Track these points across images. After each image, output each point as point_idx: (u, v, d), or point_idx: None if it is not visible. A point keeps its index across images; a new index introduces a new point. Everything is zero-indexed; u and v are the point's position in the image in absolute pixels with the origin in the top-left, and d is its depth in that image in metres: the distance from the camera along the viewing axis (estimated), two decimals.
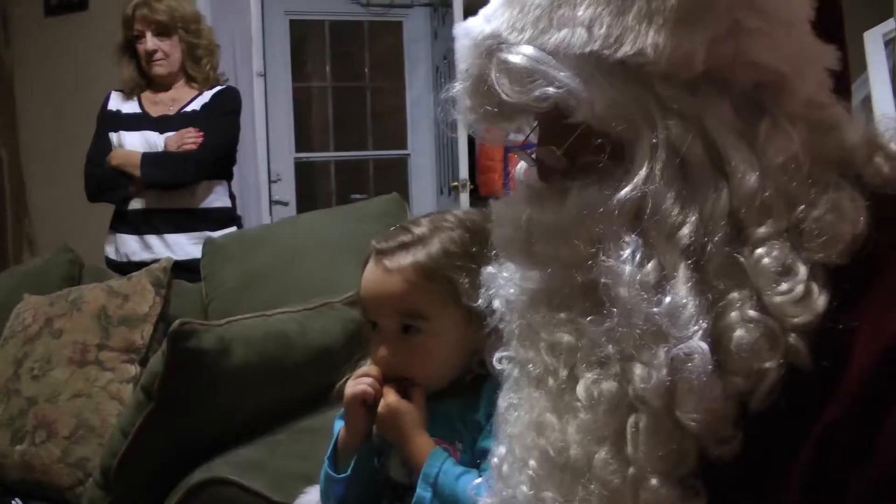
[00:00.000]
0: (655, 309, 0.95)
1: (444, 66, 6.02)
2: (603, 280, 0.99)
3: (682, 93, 0.98)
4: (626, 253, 0.97)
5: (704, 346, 0.93)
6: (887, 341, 0.92)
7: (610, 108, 0.99)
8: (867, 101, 3.92)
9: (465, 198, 5.59)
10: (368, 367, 1.46)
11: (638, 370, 0.97)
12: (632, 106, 0.99)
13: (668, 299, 0.95)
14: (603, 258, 0.99)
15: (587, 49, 0.98)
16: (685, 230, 0.96)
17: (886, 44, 4.04)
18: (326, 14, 6.48)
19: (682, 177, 0.97)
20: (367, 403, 1.42)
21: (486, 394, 1.39)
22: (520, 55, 1.00)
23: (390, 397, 1.41)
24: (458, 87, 1.11)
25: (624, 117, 0.99)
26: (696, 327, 0.93)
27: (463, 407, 1.42)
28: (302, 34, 6.56)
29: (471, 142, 5.81)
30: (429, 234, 1.44)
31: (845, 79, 1.12)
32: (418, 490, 1.35)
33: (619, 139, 1.00)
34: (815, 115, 1.01)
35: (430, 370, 1.43)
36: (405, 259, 1.41)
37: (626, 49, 0.97)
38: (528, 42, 1.01)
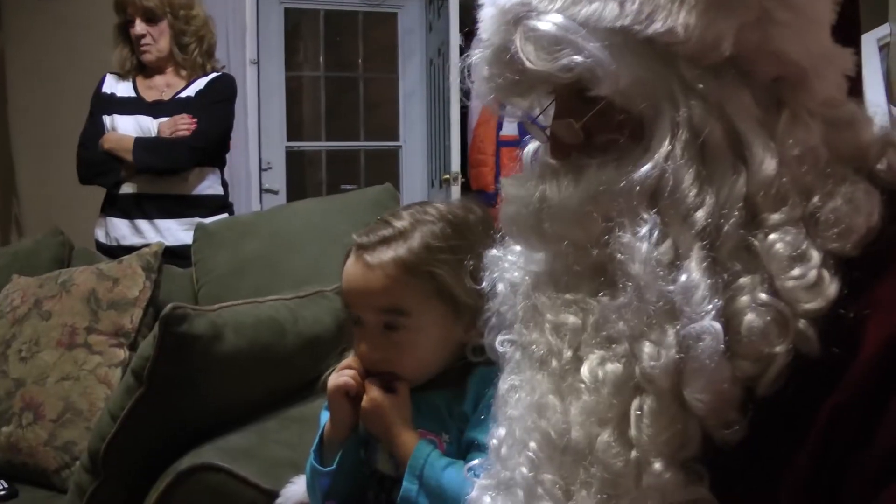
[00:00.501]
0: (670, 286, 0.95)
1: (437, 59, 6.02)
2: (618, 256, 0.99)
3: (706, 76, 0.98)
4: (644, 230, 0.97)
5: (717, 325, 0.93)
6: (893, 328, 0.92)
7: (634, 84, 0.99)
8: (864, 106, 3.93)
9: (455, 191, 5.60)
10: (351, 359, 1.45)
11: (647, 348, 0.96)
12: (656, 84, 0.99)
13: (682, 278, 0.95)
14: (619, 234, 0.99)
15: (618, 23, 0.98)
16: (702, 212, 0.96)
17: (881, 48, 4.06)
18: (321, 3, 6.48)
19: (701, 158, 0.97)
20: (350, 395, 1.42)
21: (472, 385, 1.39)
22: (549, 23, 1.00)
23: (373, 391, 1.40)
24: (476, 55, 1.11)
25: (647, 95, 0.99)
26: (709, 307, 0.93)
27: (449, 398, 1.42)
28: (296, 23, 6.55)
29: (462, 135, 5.81)
30: (409, 228, 1.43)
31: (858, 81, 1.13)
32: (405, 483, 1.35)
33: (639, 117, 1.00)
34: (831, 112, 1.01)
35: (413, 366, 1.43)
36: (386, 254, 1.40)
37: (657, 26, 0.97)
38: (559, 11, 1.00)
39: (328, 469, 1.44)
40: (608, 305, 1.01)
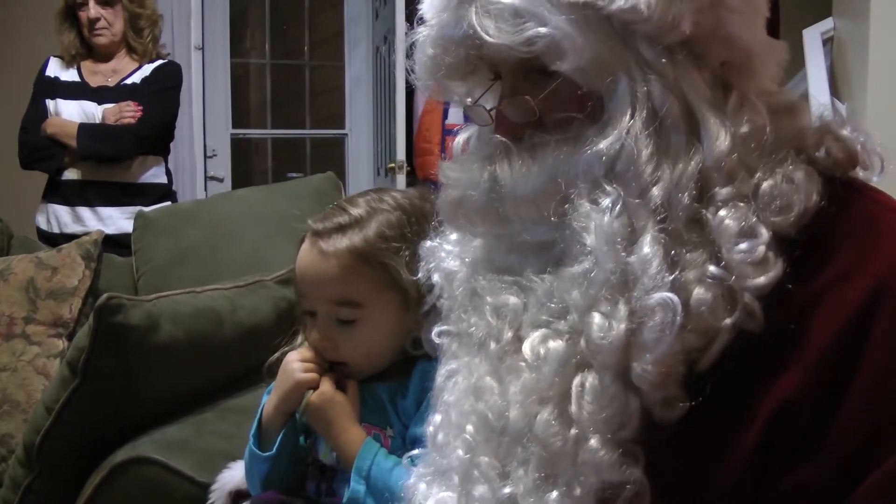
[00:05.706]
0: (629, 258, 0.96)
1: (383, 48, 5.99)
2: (575, 225, 0.99)
3: (663, 55, 0.99)
4: (607, 201, 0.98)
5: (675, 297, 0.94)
6: (846, 318, 0.95)
7: (594, 60, 0.99)
8: (804, 98, 3.97)
9: (401, 179, 5.57)
10: (309, 350, 1.45)
11: (597, 320, 0.97)
12: (616, 61, 0.99)
13: (638, 251, 0.95)
14: (579, 202, 0.99)
15: None
16: (658, 188, 0.97)
17: (825, 42, 4.09)
18: None
19: (658, 135, 0.98)
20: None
21: (415, 378, 1.40)
22: None
23: (325, 387, 1.40)
24: (421, 34, 1.10)
25: (607, 71, 1.00)
26: (662, 281, 0.94)
27: (394, 391, 1.42)
28: (241, 8, 6.51)
29: (408, 124, 5.79)
30: (366, 216, 1.43)
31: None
32: (352, 483, 1.35)
33: (598, 94, 1.01)
34: (772, 98, 1.04)
35: (365, 357, 1.44)
36: (341, 242, 1.40)
37: (621, 3, 0.97)
38: None
39: (267, 454, 1.44)
40: (560, 275, 1.01)
